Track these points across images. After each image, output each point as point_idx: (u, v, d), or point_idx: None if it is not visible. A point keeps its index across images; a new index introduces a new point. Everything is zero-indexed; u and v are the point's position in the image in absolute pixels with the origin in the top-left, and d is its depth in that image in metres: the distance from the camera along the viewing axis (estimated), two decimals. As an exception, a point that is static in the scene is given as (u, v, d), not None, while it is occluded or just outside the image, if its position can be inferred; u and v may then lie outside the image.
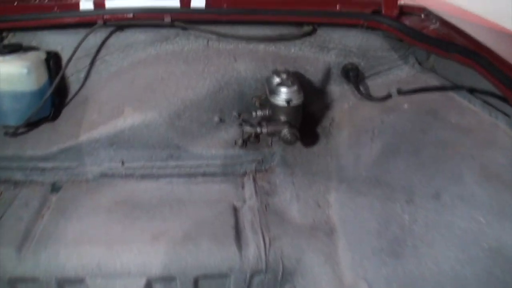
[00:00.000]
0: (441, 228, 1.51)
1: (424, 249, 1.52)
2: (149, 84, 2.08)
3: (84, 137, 2.05)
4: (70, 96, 2.19)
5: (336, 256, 1.76)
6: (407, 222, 1.60)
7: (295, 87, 1.88)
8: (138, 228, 1.81)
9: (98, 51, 2.15)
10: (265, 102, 2.03)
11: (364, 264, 1.67)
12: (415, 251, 1.54)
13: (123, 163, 2.09)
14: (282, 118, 1.92)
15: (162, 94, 2.05)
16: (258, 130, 1.92)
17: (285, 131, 1.88)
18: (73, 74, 2.17)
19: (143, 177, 2.12)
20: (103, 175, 2.10)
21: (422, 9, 2.14)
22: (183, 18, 2.03)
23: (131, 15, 1.98)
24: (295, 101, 1.88)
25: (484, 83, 1.76)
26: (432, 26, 2.02)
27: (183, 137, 2.09)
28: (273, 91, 1.89)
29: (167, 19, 1.99)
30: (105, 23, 2.00)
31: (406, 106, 1.96)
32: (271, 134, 1.93)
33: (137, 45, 2.14)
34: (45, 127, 2.15)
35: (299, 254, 1.77)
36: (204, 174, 2.14)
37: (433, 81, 2.06)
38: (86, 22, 2.02)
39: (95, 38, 2.12)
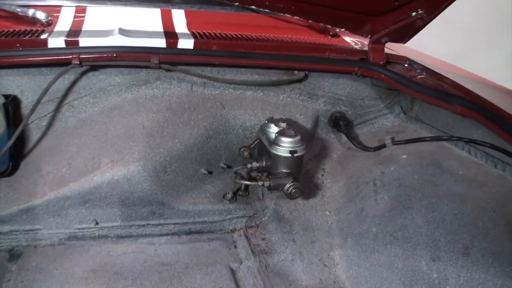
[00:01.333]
0: (476, 287, 1.48)
1: (460, 309, 1.49)
2: (129, 133, 1.92)
3: (50, 195, 1.84)
4: (29, 147, 1.94)
5: (355, 321, 1.69)
6: (436, 281, 1.56)
7: (298, 137, 1.81)
8: None
9: (66, 95, 1.93)
10: (258, 153, 1.96)
11: (391, 328, 1.61)
12: (450, 312, 1.50)
13: (97, 223, 1.90)
14: (284, 170, 1.83)
15: (146, 144, 1.90)
16: (259, 183, 1.81)
17: (290, 185, 1.79)
18: (33, 121, 1.92)
19: (120, 238, 1.94)
20: (72, 238, 1.89)
21: (405, 59, 2.18)
22: (170, 60, 1.89)
23: (114, 55, 1.80)
24: (299, 152, 1.81)
25: (477, 134, 1.81)
26: (418, 76, 2.05)
27: (168, 192, 1.96)
28: (275, 142, 1.81)
29: (155, 60, 1.83)
30: (81, 64, 1.79)
31: (404, 157, 1.95)
32: (273, 188, 1.83)
33: (111, 89, 1.96)
34: (1, 184, 1.89)
35: None
36: (189, 232, 2.01)
37: (423, 131, 2.09)
38: (55, 62, 1.81)
39: (62, 80, 1.90)
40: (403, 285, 1.63)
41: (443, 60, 2.43)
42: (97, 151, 1.89)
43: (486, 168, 1.77)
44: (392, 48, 2.25)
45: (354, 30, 2.12)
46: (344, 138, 2.19)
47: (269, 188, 1.82)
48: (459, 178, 1.75)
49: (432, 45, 2.79)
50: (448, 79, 1.93)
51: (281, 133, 1.82)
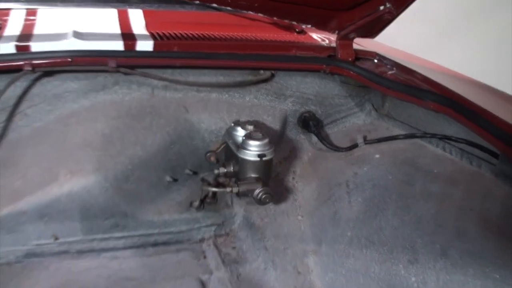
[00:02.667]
0: None
1: (440, 313, 1.47)
2: (87, 141, 1.86)
3: (4, 210, 1.77)
4: None
5: (332, 329, 1.66)
6: (415, 285, 1.54)
7: (266, 140, 1.78)
8: None
9: (18, 103, 1.85)
10: (225, 158, 1.92)
11: (370, 336, 1.59)
12: (430, 316, 1.49)
13: (56, 238, 1.84)
14: (253, 175, 1.79)
15: (106, 152, 1.85)
16: (228, 190, 1.78)
17: (259, 191, 1.75)
18: None
19: (81, 253, 1.89)
20: (30, 255, 1.83)
21: (375, 54, 2.17)
22: (129, 63, 1.83)
23: (69, 60, 1.73)
24: (268, 156, 1.78)
25: (451, 130, 1.80)
26: (389, 71, 2.04)
27: (131, 202, 1.91)
28: (242, 146, 1.77)
29: (112, 64, 1.77)
30: (34, 70, 1.72)
31: (378, 156, 1.94)
32: (242, 194, 1.79)
33: (68, 96, 1.89)
34: None
35: None
36: (155, 244, 1.97)
37: (395, 128, 2.08)
38: (6, 69, 1.72)
39: (14, 87, 1.81)
40: None
41: (413, 54, 2.42)
42: (54, 162, 1.83)
43: (462, 165, 1.76)
44: (361, 43, 2.25)
45: (321, 26, 2.09)
46: (314, 138, 2.16)
47: (238, 194, 1.78)
48: (434, 176, 1.74)
49: (401, 38, 2.79)
50: (420, 74, 1.92)
51: (248, 136, 1.78)
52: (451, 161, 1.80)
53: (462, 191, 1.65)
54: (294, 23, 2.13)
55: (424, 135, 1.93)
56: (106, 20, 2.07)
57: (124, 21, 2.08)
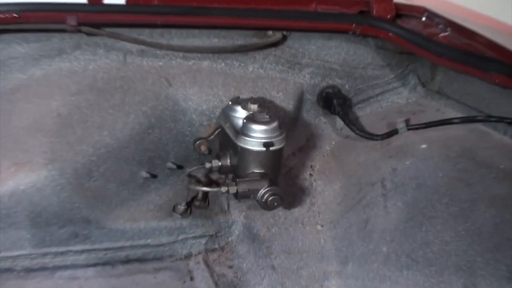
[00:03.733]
0: None
1: None
2: (39, 124, 1.86)
3: None
4: None
5: None
6: (473, 320, 1.53)
7: (275, 124, 1.77)
8: None
9: None
10: (220, 147, 1.93)
11: None
12: None
13: None
14: (257, 170, 1.79)
15: (62, 139, 1.85)
16: (223, 189, 1.77)
17: (265, 191, 1.75)
18: None
19: (30, 271, 1.90)
20: None
21: (422, 10, 2.17)
22: (94, 21, 1.85)
23: (15, 15, 1.75)
24: (277, 145, 1.77)
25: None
26: (442, 33, 2.03)
27: (96, 205, 1.92)
28: (242, 131, 1.76)
29: (72, 21, 1.79)
30: None
31: (424, 146, 1.92)
32: (242, 196, 1.79)
33: (13, 64, 1.91)
34: None
35: None
36: (127, 261, 1.99)
37: (449, 109, 2.08)
38: None
39: None
40: None
41: (476, 10, 2.42)
42: None
43: None
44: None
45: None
46: (339, 122, 2.18)
47: (236, 195, 1.79)
48: (501, 174, 1.72)
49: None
50: (483, 37, 1.91)
51: (250, 118, 1.78)
52: None
53: (539, 195, 1.63)
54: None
55: (487, 119, 1.93)
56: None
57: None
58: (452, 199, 1.71)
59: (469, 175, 1.75)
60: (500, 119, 1.87)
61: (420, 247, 1.67)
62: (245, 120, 1.78)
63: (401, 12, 2.13)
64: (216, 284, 1.90)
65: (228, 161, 1.84)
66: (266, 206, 1.76)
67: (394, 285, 1.68)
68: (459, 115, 2.00)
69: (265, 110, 1.83)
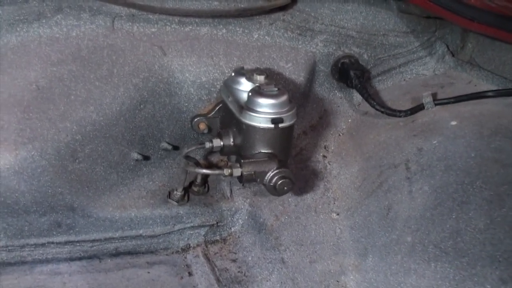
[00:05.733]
0: None
1: None
2: (15, 98, 1.87)
3: None
4: None
5: None
6: (509, 315, 1.56)
7: (284, 97, 1.78)
8: None
9: None
10: (221, 125, 1.96)
11: None
12: None
13: None
14: (264, 150, 1.81)
15: (43, 115, 1.86)
16: (226, 172, 1.78)
17: (273, 174, 1.77)
18: None
19: (7, 265, 1.91)
20: None
21: (452, -34, 2.18)
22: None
23: None
24: (287, 121, 1.78)
25: None
26: (474, -7, 2.05)
27: (81, 190, 1.93)
28: (247, 106, 1.78)
29: None
30: None
31: (454, 123, 1.95)
32: (248, 180, 1.80)
33: None
34: None
35: None
36: (116, 254, 2.00)
37: (482, 82, 2.10)
38: None
39: None
40: None
41: None
42: None
43: None
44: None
45: None
46: (357, 97, 2.20)
47: (241, 179, 1.80)
48: None
49: None
50: None
51: (257, 91, 1.79)
52: None
53: None
54: None
55: None
56: None
57: None
58: (486, 182, 1.73)
59: (505, 155, 1.77)
60: (541, 92, 1.91)
61: (450, 236, 1.70)
62: (250, 93, 1.79)
63: None
64: (218, 280, 1.91)
65: (231, 140, 1.86)
66: (275, 191, 1.77)
67: (420, 279, 1.70)
68: (494, 87, 2.02)
69: (273, 82, 1.84)
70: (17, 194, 1.84)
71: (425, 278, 1.69)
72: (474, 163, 1.81)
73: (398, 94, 2.18)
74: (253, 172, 1.78)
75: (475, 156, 1.82)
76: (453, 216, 1.73)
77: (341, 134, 2.18)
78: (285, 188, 1.78)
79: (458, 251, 1.67)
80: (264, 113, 1.76)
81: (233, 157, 1.89)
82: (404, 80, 2.27)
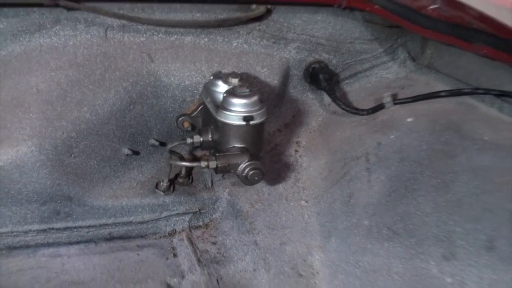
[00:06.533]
0: None
1: (483, 321, 1.51)
2: (18, 100, 1.90)
3: None
4: None
5: None
6: (450, 287, 1.59)
7: (255, 98, 1.81)
8: None
9: None
10: (203, 123, 1.98)
11: None
12: (470, 326, 1.53)
13: None
14: (238, 145, 1.84)
15: (42, 115, 1.89)
16: (203, 164, 1.82)
17: (245, 165, 1.80)
18: None
19: (12, 249, 1.94)
20: None
21: (411, -18, 2.19)
22: (71, -6, 1.88)
23: None
24: (257, 119, 1.82)
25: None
26: (431, 6, 2.06)
27: (77, 182, 1.96)
28: (222, 105, 1.81)
29: None
30: None
31: (410, 120, 1.97)
32: (222, 171, 1.84)
33: None
34: None
35: None
36: (109, 238, 2.02)
37: (438, 83, 2.12)
38: None
39: None
40: None
41: None
42: None
43: None
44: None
45: None
46: (326, 98, 2.22)
47: (216, 170, 1.83)
48: (485, 145, 1.77)
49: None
50: (474, 9, 1.93)
51: (230, 92, 1.82)
52: (509, 125, 1.83)
53: (521, 165, 1.68)
54: None
55: (474, 91, 1.97)
56: None
57: None
58: (434, 171, 1.76)
59: (452, 147, 1.80)
60: (487, 91, 1.92)
61: (401, 219, 1.73)
62: (225, 94, 1.82)
63: None
64: (199, 260, 1.93)
65: (210, 136, 1.88)
66: (247, 180, 1.80)
67: (375, 257, 1.74)
68: (448, 88, 2.03)
69: (246, 84, 1.86)
70: (19, 186, 1.87)
71: (379, 257, 1.73)
72: (425, 154, 1.83)
73: (363, 95, 2.19)
74: (227, 164, 1.81)
75: (426, 149, 1.85)
76: (404, 202, 1.76)
77: (311, 131, 2.20)
78: (256, 178, 1.81)
79: (407, 232, 1.70)
80: (236, 112, 1.79)
81: (212, 151, 1.91)
82: (369, 82, 2.28)
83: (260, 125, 1.85)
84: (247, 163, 1.81)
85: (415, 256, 1.66)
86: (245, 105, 1.80)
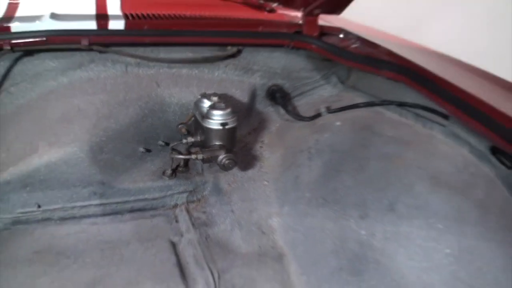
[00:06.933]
0: (401, 239, 1.51)
1: (387, 262, 1.51)
2: (65, 116, 1.90)
3: None
4: None
5: (290, 282, 1.70)
6: (365, 238, 1.59)
7: (229, 110, 1.81)
8: (68, 279, 1.62)
9: (2, 82, 1.90)
10: (194, 128, 1.95)
11: (323, 286, 1.63)
12: (377, 266, 1.53)
13: (39, 206, 1.88)
14: (217, 143, 1.83)
15: (81, 126, 1.89)
16: (193, 157, 1.82)
17: (222, 157, 1.79)
18: None
19: (63, 219, 1.92)
20: (16, 223, 1.86)
21: (339, 29, 2.20)
22: (101, 41, 1.88)
23: (44, 39, 1.78)
24: (231, 124, 1.81)
25: (410, 97, 1.84)
26: (353, 45, 2.07)
27: (107, 172, 1.94)
28: (206, 115, 1.81)
29: (85, 42, 1.82)
30: (13, 49, 1.77)
31: (338, 123, 1.98)
32: (206, 161, 1.84)
33: (47, 74, 1.94)
34: None
35: (251, 284, 1.69)
36: (131, 210, 2.00)
37: (359, 98, 2.11)
38: None
39: None
40: (335, 244, 1.66)
41: (391, 33, 2.46)
42: (35, 136, 1.87)
43: (416, 128, 1.80)
44: (336, 22, 2.30)
45: (287, 3, 2.14)
46: (282, 110, 2.19)
47: (203, 160, 1.82)
48: (388, 139, 1.78)
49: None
50: (382, 47, 1.97)
51: (212, 106, 1.81)
52: (406, 125, 1.84)
53: (413, 151, 1.69)
54: (261, 1, 2.17)
55: (382, 103, 1.97)
56: (84, 3, 2.13)
57: (100, 3, 2.12)
58: (354, 158, 1.78)
59: (367, 141, 1.81)
60: (391, 102, 1.92)
61: (331, 192, 1.75)
62: (208, 108, 1.82)
63: (325, 31, 2.16)
64: (193, 224, 1.92)
65: (198, 137, 1.88)
66: (224, 167, 1.79)
67: (313, 219, 1.74)
68: (365, 101, 2.03)
69: (223, 100, 1.85)
70: (66, 175, 1.87)
71: (316, 218, 1.74)
72: (348, 147, 1.84)
73: (307, 107, 2.17)
74: (210, 156, 1.81)
75: (349, 143, 1.86)
76: (334, 179, 1.77)
77: (272, 133, 2.18)
78: (231, 165, 1.80)
79: (335, 201, 1.71)
80: (216, 119, 1.79)
81: (200, 148, 1.90)
82: (312, 99, 2.26)
83: (233, 128, 1.83)
84: (224, 155, 1.80)
85: (340, 217, 1.68)
86: (222, 115, 1.80)
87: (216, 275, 1.68)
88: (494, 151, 1.56)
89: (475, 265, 1.37)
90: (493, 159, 1.55)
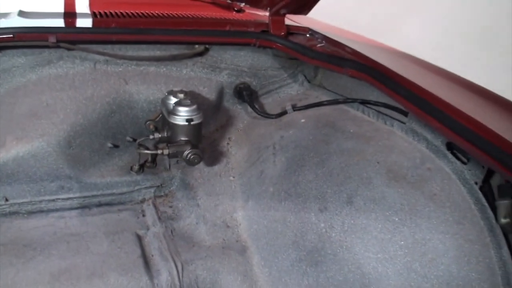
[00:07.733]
0: (358, 231, 1.55)
1: (344, 253, 1.55)
2: (33, 111, 1.91)
3: None
4: None
5: (253, 274, 1.74)
6: (323, 230, 1.63)
7: (194, 106, 1.84)
8: (33, 269, 1.63)
9: None
10: (162, 125, 1.98)
11: (284, 278, 1.67)
12: (335, 257, 1.57)
13: (6, 199, 1.89)
14: (183, 138, 1.86)
15: (49, 121, 1.90)
16: (159, 152, 1.85)
17: (188, 152, 1.82)
18: None
19: (31, 213, 1.93)
20: None
21: (307, 29, 2.25)
22: (69, 39, 1.90)
23: (11, 36, 1.81)
24: (196, 120, 1.84)
25: (373, 95, 1.88)
26: (319, 44, 2.11)
27: (75, 166, 1.96)
28: (172, 112, 1.84)
29: (52, 39, 1.84)
30: None
31: (303, 121, 2.01)
32: (172, 156, 1.86)
33: (15, 70, 1.95)
34: None
35: (214, 276, 1.73)
36: (99, 205, 2.01)
37: (324, 96, 2.15)
38: None
39: None
40: (295, 236, 1.69)
41: (360, 34, 2.52)
42: (2, 130, 1.88)
43: (377, 125, 1.85)
44: (306, 22, 2.34)
45: (253, 3, 2.17)
46: (249, 108, 2.22)
47: (169, 155, 1.85)
48: (350, 135, 1.82)
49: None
50: (348, 46, 2.00)
51: (177, 103, 1.84)
52: (367, 122, 1.88)
53: (373, 147, 1.73)
54: (230, 1, 2.20)
55: (345, 101, 2.02)
56: (53, 0, 2.15)
57: (69, 1, 2.16)
58: (316, 153, 1.81)
59: (329, 137, 1.85)
60: (354, 100, 1.97)
61: (293, 185, 1.78)
62: (174, 104, 1.84)
63: (292, 31, 2.20)
64: (159, 218, 1.94)
65: (165, 133, 1.90)
66: (189, 162, 1.82)
67: (276, 212, 1.78)
68: (329, 99, 2.08)
69: (188, 97, 1.88)
70: (34, 169, 1.89)
71: (279, 211, 1.77)
72: (311, 143, 1.87)
73: (274, 105, 2.21)
74: (176, 151, 1.84)
75: (312, 139, 1.89)
76: (296, 174, 1.80)
77: (239, 130, 2.20)
78: (196, 160, 1.83)
79: (297, 194, 1.74)
80: (181, 115, 1.81)
81: (166, 143, 1.91)
82: (279, 97, 2.29)
83: (198, 124, 1.86)
84: (189, 151, 1.82)
85: (301, 209, 1.71)
86: (187, 111, 1.82)
87: (180, 267, 1.71)
88: (450, 147, 1.60)
89: (428, 256, 1.42)
90: (449, 155, 1.59)
